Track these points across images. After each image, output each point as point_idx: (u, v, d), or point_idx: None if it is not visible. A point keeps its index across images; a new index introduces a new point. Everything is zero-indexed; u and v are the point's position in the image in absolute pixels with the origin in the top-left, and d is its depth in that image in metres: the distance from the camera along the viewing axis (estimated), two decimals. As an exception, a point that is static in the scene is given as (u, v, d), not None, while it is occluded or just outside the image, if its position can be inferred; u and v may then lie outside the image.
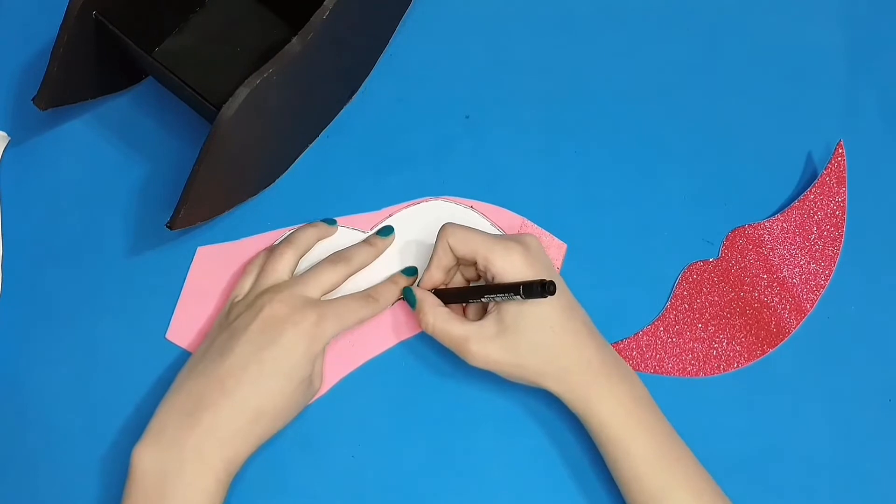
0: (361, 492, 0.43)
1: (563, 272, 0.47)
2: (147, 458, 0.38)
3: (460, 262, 0.44)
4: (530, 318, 0.40)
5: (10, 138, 0.49)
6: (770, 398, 0.46)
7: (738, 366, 0.46)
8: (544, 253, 0.43)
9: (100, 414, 0.45)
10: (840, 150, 0.48)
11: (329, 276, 0.43)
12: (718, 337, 0.46)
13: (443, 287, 0.44)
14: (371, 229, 0.48)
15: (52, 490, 0.44)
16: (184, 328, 0.46)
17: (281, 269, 0.43)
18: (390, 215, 0.48)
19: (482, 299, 0.41)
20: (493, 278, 0.41)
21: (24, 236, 0.48)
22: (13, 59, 0.51)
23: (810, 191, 0.48)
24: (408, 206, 0.48)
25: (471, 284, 0.45)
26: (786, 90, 0.51)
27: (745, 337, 0.46)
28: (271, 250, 0.45)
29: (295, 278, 0.43)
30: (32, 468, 0.44)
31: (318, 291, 0.43)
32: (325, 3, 0.42)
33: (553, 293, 0.37)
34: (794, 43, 0.53)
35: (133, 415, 0.45)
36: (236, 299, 0.43)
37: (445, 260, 0.43)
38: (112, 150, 0.49)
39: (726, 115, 0.51)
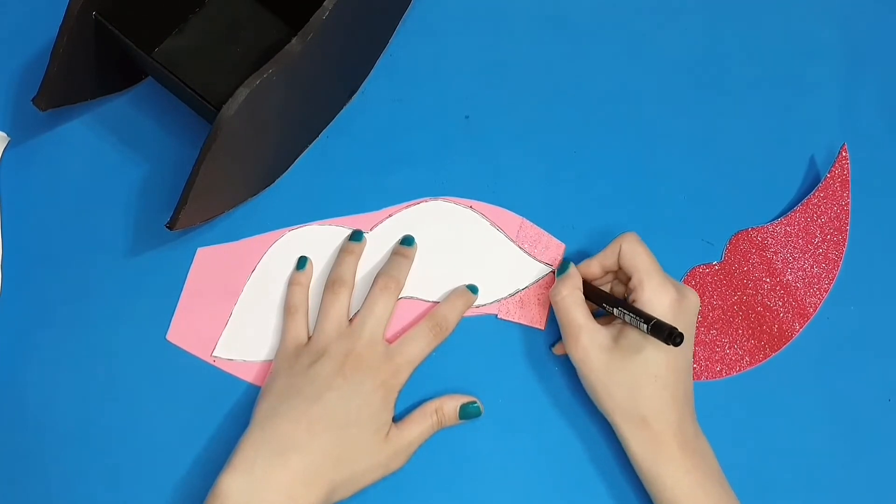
0: (361, 491, 0.43)
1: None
2: (236, 488, 0.38)
3: (619, 272, 0.44)
4: (643, 355, 0.40)
5: (10, 138, 0.49)
6: (771, 400, 0.45)
7: (740, 369, 0.46)
8: (696, 315, 0.42)
9: (100, 414, 0.45)
10: (844, 154, 0.48)
11: (387, 305, 0.44)
12: (721, 340, 0.46)
13: (589, 284, 0.44)
14: (371, 229, 0.48)
15: (51, 490, 0.44)
16: (184, 329, 0.46)
17: (342, 311, 0.44)
18: (390, 215, 0.48)
19: (614, 309, 0.41)
20: (634, 302, 0.41)
21: (24, 236, 0.48)
22: (13, 59, 0.51)
23: (814, 194, 0.47)
24: (407, 207, 0.48)
25: (612, 293, 0.45)
26: (788, 92, 0.51)
27: (748, 340, 0.46)
28: (325, 289, 0.45)
29: (361, 320, 0.43)
30: (32, 468, 0.44)
31: (383, 325, 0.43)
32: (325, 3, 0.42)
33: (676, 344, 0.37)
34: (795, 44, 0.52)
35: (133, 415, 0.45)
36: (300, 345, 0.43)
37: (609, 260, 0.43)
38: (112, 150, 0.49)
39: (727, 117, 0.51)
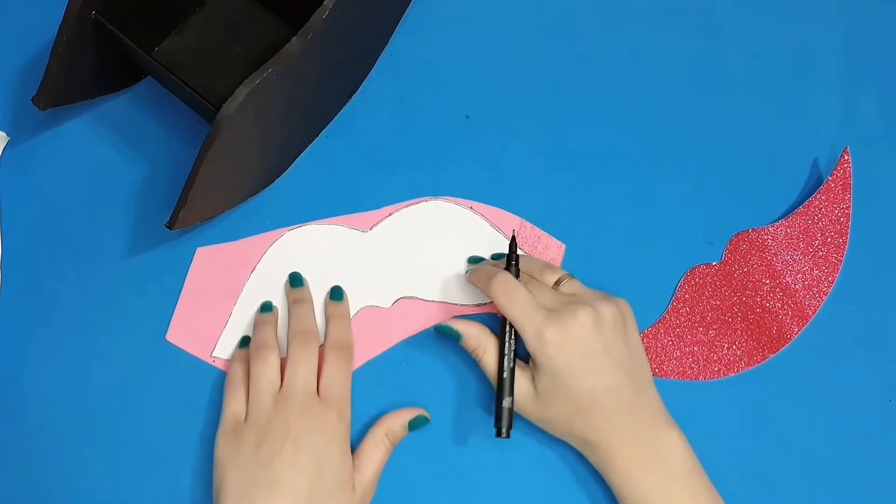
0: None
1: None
2: None
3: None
4: (559, 392, 0.40)
5: (9, 138, 0.49)
6: (770, 401, 0.45)
7: (738, 370, 0.46)
8: (596, 332, 0.41)
9: (99, 414, 0.45)
10: (846, 157, 0.47)
11: (312, 360, 0.43)
12: (720, 341, 0.46)
13: None
14: (371, 229, 0.48)
15: (51, 490, 0.44)
16: (184, 329, 0.46)
17: (273, 377, 0.43)
18: (390, 214, 0.48)
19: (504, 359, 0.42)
20: None
21: (23, 236, 0.48)
22: (13, 59, 0.51)
23: (815, 197, 0.47)
24: (408, 206, 0.48)
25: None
26: (790, 94, 0.51)
27: (747, 341, 0.46)
28: (246, 363, 0.44)
29: (291, 380, 0.42)
30: (32, 468, 0.44)
31: (314, 379, 0.42)
32: (325, 2, 0.42)
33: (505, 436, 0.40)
34: (797, 46, 0.52)
35: (133, 415, 0.45)
36: (238, 422, 0.42)
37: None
38: (111, 150, 0.49)
39: (728, 118, 0.50)
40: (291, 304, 0.46)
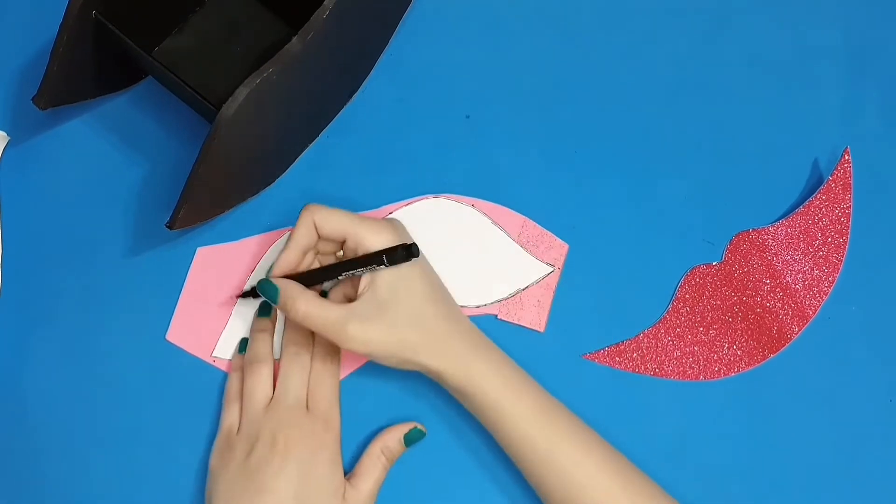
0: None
1: (565, 273, 0.47)
2: None
3: (320, 245, 0.43)
4: (405, 289, 0.40)
5: (9, 138, 0.49)
6: (770, 401, 0.45)
7: (738, 370, 0.46)
8: (408, 234, 0.43)
9: (99, 414, 0.45)
10: (846, 157, 0.47)
11: (303, 370, 0.43)
12: (720, 341, 0.46)
13: (296, 273, 0.42)
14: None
15: (51, 490, 0.44)
16: (184, 329, 0.46)
17: (266, 389, 0.43)
18: (390, 213, 0.48)
19: (342, 276, 0.41)
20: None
21: (23, 236, 0.48)
22: (13, 58, 0.51)
23: (815, 197, 0.47)
24: (409, 203, 0.48)
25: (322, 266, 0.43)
26: (790, 94, 0.51)
27: (747, 341, 0.46)
28: (243, 373, 0.44)
29: (280, 391, 0.42)
30: (31, 468, 0.44)
31: (304, 389, 0.43)
32: (325, 2, 0.42)
33: (417, 255, 0.38)
34: (797, 45, 0.52)
35: (133, 415, 0.45)
36: (231, 434, 0.42)
37: (307, 240, 0.42)
38: (112, 149, 0.49)
39: (729, 117, 0.50)
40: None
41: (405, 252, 0.38)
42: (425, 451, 0.44)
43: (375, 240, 0.40)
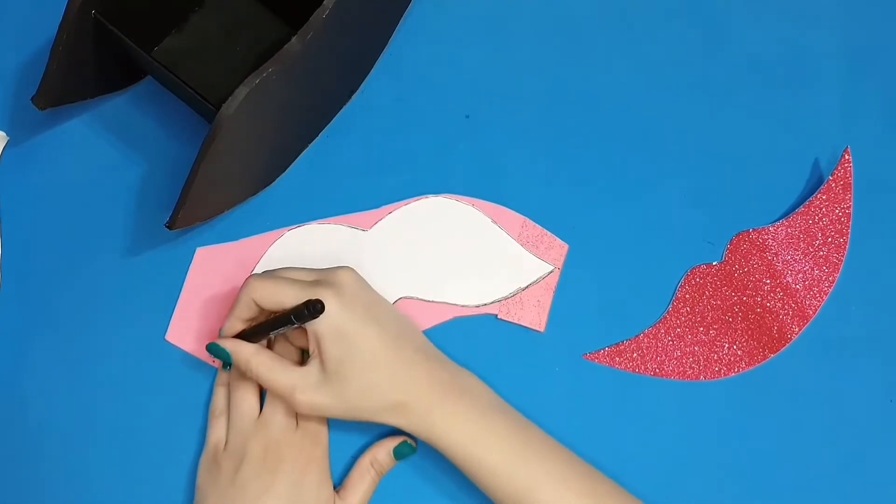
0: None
1: (565, 273, 0.47)
2: None
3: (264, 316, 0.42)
4: (354, 359, 0.39)
5: (9, 138, 0.49)
6: (771, 401, 0.45)
7: (739, 370, 0.46)
8: (364, 287, 0.41)
9: (99, 414, 0.45)
10: (847, 157, 0.47)
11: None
12: (720, 341, 0.46)
13: (240, 331, 0.43)
14: (371, 228, 0.48)
15: (50, 490, 0.44)
16: (183, 329, 0.46)
17: (253, 402, 0.42)
18: (390, 212, 0.48)
19: (271, 335, 0.41)
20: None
21: (23, 236, 0.48)
22: (12, 58, 0.51)
23: (816, 197, 0.47)
24: (409, 203, 0.48)
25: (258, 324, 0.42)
26: (791, 94, 0.51)
27: (747, 341, 0.46)
28: (230, 389, 0.44)
29: (269, 406, 0.42)
30: (31, 468, 0.44)
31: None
32: (324, 2, 0.42)
33: (321, 311, 0.37)
34: (797, 45, 0.52)
35: (132, 415, 0.45)
36: (219, 450, 0.42)
37: (247, 314, 0.42)
38: (111, 149, 0.49)
39: (729, 117, 0.50)
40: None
41: (309, 311, 0.37)
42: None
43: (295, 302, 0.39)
